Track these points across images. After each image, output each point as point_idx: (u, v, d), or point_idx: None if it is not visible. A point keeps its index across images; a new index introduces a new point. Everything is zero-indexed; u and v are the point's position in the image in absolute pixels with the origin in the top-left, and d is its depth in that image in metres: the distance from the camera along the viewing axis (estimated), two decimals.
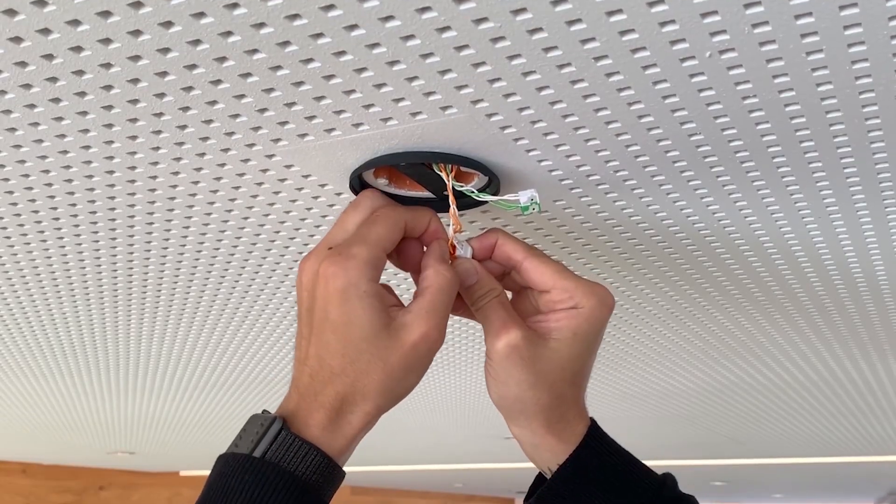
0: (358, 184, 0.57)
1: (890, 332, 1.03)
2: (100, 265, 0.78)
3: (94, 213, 0.64)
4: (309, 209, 0.64)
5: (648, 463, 0.57)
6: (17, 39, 0.41)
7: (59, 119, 0.49)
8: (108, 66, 0.43)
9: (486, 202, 0.56)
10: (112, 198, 0.61)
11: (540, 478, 0.57)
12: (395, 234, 0.52)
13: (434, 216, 0.54)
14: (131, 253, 0.74)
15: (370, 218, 0.52)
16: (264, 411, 0.50)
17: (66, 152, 0.54)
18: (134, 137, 0.52)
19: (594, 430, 0.55)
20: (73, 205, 0.63)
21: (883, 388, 1.41)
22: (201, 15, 0.39)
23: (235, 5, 0.38)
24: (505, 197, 0.54)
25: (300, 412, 0.50)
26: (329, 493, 0.50)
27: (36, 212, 0.65)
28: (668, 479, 0.56)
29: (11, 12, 0.39)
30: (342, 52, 0.42)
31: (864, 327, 1.01)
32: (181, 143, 0.53)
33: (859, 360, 1.20)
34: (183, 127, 0.50)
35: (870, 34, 0.40)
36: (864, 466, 2.92)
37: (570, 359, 0.53)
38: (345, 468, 0.51)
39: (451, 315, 0.58)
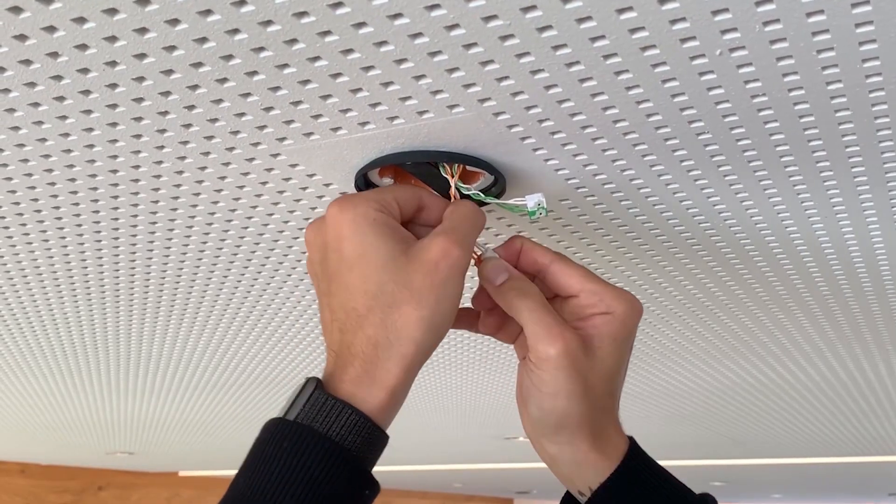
0: (363, 183, 0.56)
1: (893, 331, 1.03)
2: (101, 265, 0.77)
3: (98, 212, 0.64)
4: (313, 209, 0.63)
5: None
6: (22, 37, 0.40)
7: (64, 118, 0.49)
8: (113, 63, 0.43)
9: (491, 203, 0.55)
10: (115, 197, 0.61)
11: (569, 497, 0.54)
12: (410, 195, 0.50)
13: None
14: (133, 252, 0.74)
15: None
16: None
17: (69, 151, 0.54)
18: (138, 136, 0.51)
19: (636, 447, 0.52)
20: (77, 204, 0.63)
21: (885, 387, 1.41)
22: (208, 12, 0.39)
23: (243, 3, 0.38)
24: (511, 200, 0.54)
25: (336, 370, 0.46)
26: (371, 461, 0.45)
27: (39, 211, 0.64)
28: (708, 499, 0.53)
29: (17, 9, 0.38)
30: (349, 50, 0.42)
31: (867, 327, 1.01)
32: (186, 142, 0.52)
33: (861, 360, 1.20)
34: (188, 126, 0.50)
35: (881, 32, 0.40)
36: (864, 467, 2.92)
37: (611, 367, 0.50)
38: None
39: (482, 333, 0.55)
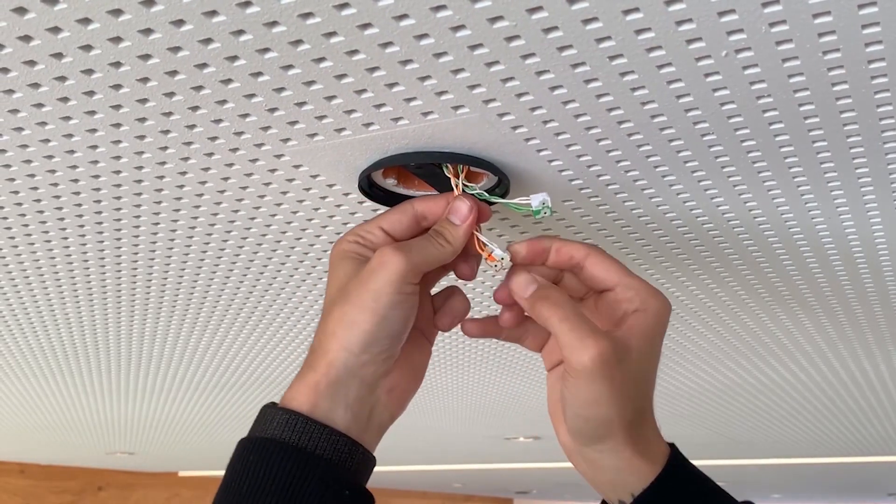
0: (367, 184, 0.56)
1: (895, 330, 1.03)
2: (104, 265, 0.77)
3: (100, 213, 0.64)
4: (316, 209, 0.63)
5: None
6: (27, 38, 0.40)
7: (67, 119, 0.49)
8: (117, 64, 0.43)
9: (497, 203, 0.55)
10: (118, 198, 0.61)
11: None
12: (402, 216, 0.52)
13: (454, 198, 0.52)
14: (136, 253, 0.74)
15: None
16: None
17: (72, 152, 0.53)
18: (142, 137, 0.51)
19: (677, 451, 0.51)
20: (79, 205, 0.62)
21: (885, 387, 1.41)
22: (213, 13, 0.39)
23: (248, 3, 0.38)
24: (515, 200, 0.54)
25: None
26: (324, 453, 0.46)
27: (41, 212, 0.64)
28: None
29: (21, 10, 0.38)
30: (355, 52, 0.42)
31: (868, 326, 1.01)
32: (189, 143, 0.52)
33: (863, 360, 1.20)
34: (192, 126, 0.50)
35: (887, 33, 0.40)
36: (864, 467, 2.93)
37: (646, 368, 0.50)
38: None
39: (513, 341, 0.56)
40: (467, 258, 0.55)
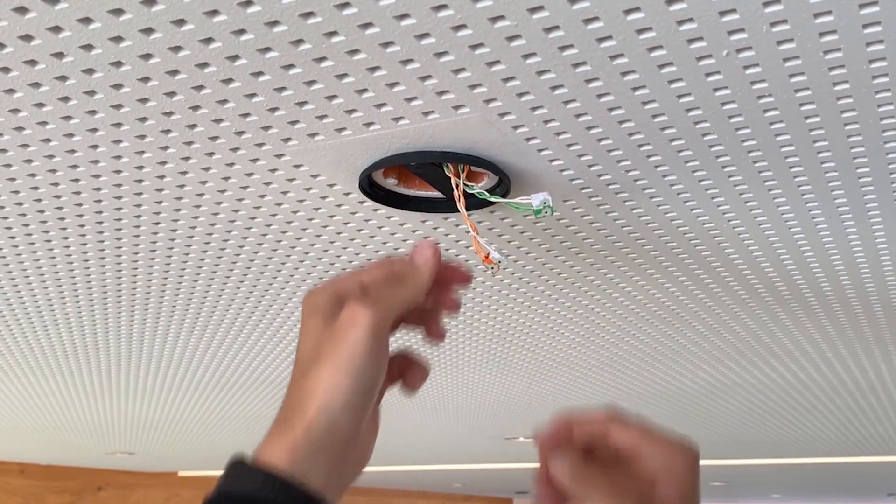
0: (367, 184, 0.56)
1: (895, 332, 1.03)
2: (104, 265, 0.77)
3: (100, 212, 0.64)
4: (317, 209, 0.63)
5: None
6: (28, 38, 0.40)
7: (68, 118, 0.49)
8: (118, 64, 0.43)
9: (497, 203, 0.55)
10: (119, 198, 0.61)
11: None
12: (379, 270, 0.52)
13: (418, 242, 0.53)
14: (136, 253, 0.74)
15: None
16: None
17: (73, 151, 0.53)
18: (143, 137, 0.51)
19: None
20: (80, 204, 0.62)
21: (885, 387, 1.41)
22: (214, 13, 0.39)
23: (249, 3, 0.38)
24: (516, 199, 0.54)
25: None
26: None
27: (42, 211, 0.64)
28: None
29: (22, 10, 0.38)
30: (356, 51, 0.42)
31: (869, 328, 1.01)
32: (190, 143, 0.52)
33: (863, 360, 1.20)
34: (192, 126, 0.50)
35: (889, 33, 0.40)
36: (864, 467, 2.93)
37: None
38: None
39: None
40: (437, 319, 0.55)
